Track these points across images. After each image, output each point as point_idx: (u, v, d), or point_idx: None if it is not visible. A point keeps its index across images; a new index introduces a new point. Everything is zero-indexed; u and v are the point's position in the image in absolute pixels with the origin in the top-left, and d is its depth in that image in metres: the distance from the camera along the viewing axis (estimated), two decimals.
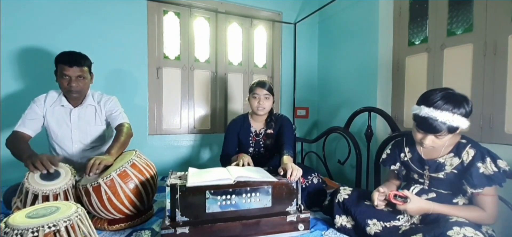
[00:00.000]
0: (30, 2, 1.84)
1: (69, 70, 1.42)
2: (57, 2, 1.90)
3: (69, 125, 1.53)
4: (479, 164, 1.05)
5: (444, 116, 1.01)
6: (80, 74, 1.45)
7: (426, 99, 1.08)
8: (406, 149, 1.27)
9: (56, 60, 1.45)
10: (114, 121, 1.59)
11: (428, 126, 1.05)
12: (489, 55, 1.53)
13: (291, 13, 2.70)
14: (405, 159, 1.26)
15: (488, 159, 1.04)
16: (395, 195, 1.13)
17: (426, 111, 1.05)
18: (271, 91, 1.69)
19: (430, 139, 1.08)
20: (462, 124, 1.02)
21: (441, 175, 1.14)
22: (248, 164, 1.47)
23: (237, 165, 1.45)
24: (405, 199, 1.11)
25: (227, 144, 1.77)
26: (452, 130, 1.03)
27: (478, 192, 1.04)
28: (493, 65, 1.52)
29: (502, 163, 1.04)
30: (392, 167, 1.31)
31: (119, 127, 1.55)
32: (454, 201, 1.12)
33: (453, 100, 1.02)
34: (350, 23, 2.36)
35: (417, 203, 1.09)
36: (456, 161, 1.10)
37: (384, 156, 1.37)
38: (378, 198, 1.18)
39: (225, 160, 1.72)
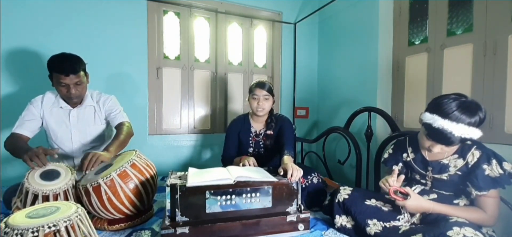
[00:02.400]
0: (28, 2, 1.84)
1: (66, 79, 1.38)
2: (56, 2, 1.90)
3: (68, 126, 1.53)
4: (485, 166, 1.04)
5: (459, 130, 0.97)
6: (78, 80, 1.42)
7: (440, 109, 1.02)
8: (409, 150, 1.26)
9: (49, 67, 1.40)
10: (114, 120, 1.58)
11: (441, 138, 1.01)
12: (489, 55, 1.53)
13: (291, 13, 2.71)
14: (408, 159, 1.25)
15: (494, 161, 1.03)
16: (395, 191, 1.13)
17: (440, 123, 0.99)
18: (270, 91, 1.69)
19: (439, 147, 1.06)
20: (476, 135, 0.99)
21: (444, 176, 1.13)
22: (254, 165, 1.47)
23: (244, 165, 1.45)
24: (405, 196, 1.11)
25: (228, 145, 1.77)
26: (465, 141, 1.01)
27: (483, 194, 1.03)
28: (493, 65, 1.52)
29: (507, 166, 1.02)
30: (394, 167, 1.29)
31: (119, 126, 1.54)
32: (455, 202, 1.12)
33: (469, 110, 0.97)
34: (350, 23, 2.35)
35: (416, 200, 1.09)
36: (461, 162, 1.09)
37: (386, 155, 1.36)
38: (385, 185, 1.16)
39: (226, 162, 1.72)
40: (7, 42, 1.80)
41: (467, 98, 1.01)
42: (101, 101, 1.59)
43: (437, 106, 1.04)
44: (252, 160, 1.49)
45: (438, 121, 1.00)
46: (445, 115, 0.99)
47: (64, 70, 1.37)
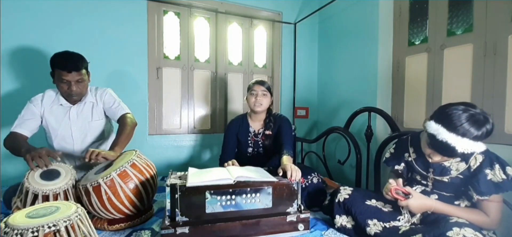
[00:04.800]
0: (29, 1, 1.84)
1: (67, 76, 1.40)
2: (57, 2, 1.90)
3: (68, 123, 1.52)
4: (487, 171, 1.02)
5: (463, 145, 0.93)
6: (79, 77, 1.44)
7: (446, 120, 0.97)
8: (411, 150, 1.25)
9: (51, 64, 1.42)
10: (115, 114, 1.57)
11: (443, 150, 0.99)
12: (489, 55, 1.53)
13: (291, 13, 2.70)
14: (409, 159, 1.25)
15: (497, 166, 1.01)
16: (397, 191, 1.12)
17: (445, 136, 0.95)
18: (269, 89, 1.70)
19: (440, 157, 1.06)
20: (479, 149, 0.96)
21: (445, 179, 1.12)
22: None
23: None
24: (407, 195, 1.10)
25: (226, 145, 1.76)
26: (467, 155, 0.99)
27: (484, 198, 1.02)
28: (493, 65, 1.52)
29: (511, 171, 1.00)
30: (396, 167, 1.29)
31: (121, 119, 1.54)
32: (456, 203, 1.12)
33: (477, 124, 0.93)
34: (350, 23, 2.36)
35: (419, 200, 1.09)
36: (463, 166, 1.08)
37: (387, 155, 1.35)
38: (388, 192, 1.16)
39: (224, 163, 1.72)
40: (8, 41, 1.80)
41: (476, 110, 0.96)
42: (98, 95, 1.59)
43: (444, 116, 0.99)
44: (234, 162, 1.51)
45: (442, 134, 0.96)
46: (451, 128, 0.95)
47: (67, 66, 1.39)
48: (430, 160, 1.15)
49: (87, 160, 1.23)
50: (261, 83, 1.68)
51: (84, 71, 1.46)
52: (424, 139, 1.10)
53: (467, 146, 0.94)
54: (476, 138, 0.94)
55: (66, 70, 1.39)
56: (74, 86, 1.43)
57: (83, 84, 1.48)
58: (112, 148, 1.36)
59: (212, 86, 2.50)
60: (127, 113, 1.58)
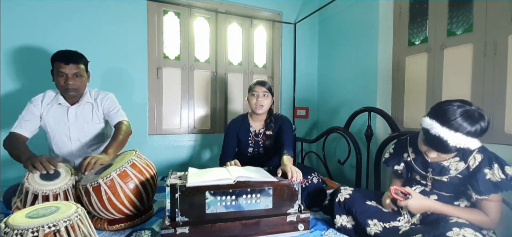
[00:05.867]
0: (29, 1, 1.84)
1: (65, 68, 1.42)
2: (57, 2, 1.90)
3: (67, 123, 1.52)
4: (486, 170, 1.02)
5: (456, 139, 0.94)
6: (77, 71, 1.45)
7: (440, 115, 0.98)
8: (410, 150, 1.25)
9: (52, 58, 1.44)
10: (113, 119, 1.57)
11: (437, 145, 0.99)
12: (489, 55, 1.53)
13: (291, 13, 2.70)
14: (408, 159, 1.25)
15: (495, 166, 1.01)
16: (396, 191, 1.12)
17: (438, 130, 0.96)
18: (270, 90, 1.69)
19: (435, 153, 1.05)
20: (474, 145, 0.96)
21: (444, 178, 1.12)
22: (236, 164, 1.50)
23: None
24: (406, 195, 1.10)
25: (226, 146, 1.76)
26: (461, 151, 0.99)
27: (483, 198, 1.02)
28: (493, 65, 1.52)
29: (510, 170, 1.00)
30: (396, 167, 1.29)
31: (118, 125, 1.53)
32: (456, 203, 1.12)
33: (470, 119, 0.94)
34: (350, 23, 2.36)
35: (418, 200, 1.09)
36: (462, 165, 1.07)
37: (387, 155, 1.36)
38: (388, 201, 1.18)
39: (224, 164, 1.72)
40: (7, 41, 1.80)
41: (471, 106, 0.97)
42: (99, 99, 1.59)
43: (438, 111, 1.01)
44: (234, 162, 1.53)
45: (436, 128, 0.98)
46: (444, 122, 0.96)
47: (65, 58, 1.42)
48: (428, 159, 1.15)
49: (85, 172, 1.20)
50: (262, 83, 1.68)
51: (82, 66, 1.48)
52: (420, 136, 1.10)
53: (460, 141, 0.94)
54: (469, 134, 0.94)
55: (64, 61, 1.41)
56: (71, 80, 1.43)
57: (81, 80, 1.48)
58: (105, 151, 1.34)
59: (212, 86, 2.50)
60: (125, 120, 1.57)
